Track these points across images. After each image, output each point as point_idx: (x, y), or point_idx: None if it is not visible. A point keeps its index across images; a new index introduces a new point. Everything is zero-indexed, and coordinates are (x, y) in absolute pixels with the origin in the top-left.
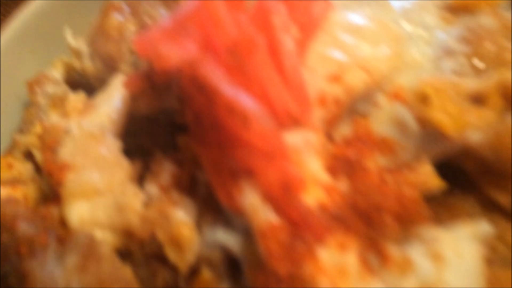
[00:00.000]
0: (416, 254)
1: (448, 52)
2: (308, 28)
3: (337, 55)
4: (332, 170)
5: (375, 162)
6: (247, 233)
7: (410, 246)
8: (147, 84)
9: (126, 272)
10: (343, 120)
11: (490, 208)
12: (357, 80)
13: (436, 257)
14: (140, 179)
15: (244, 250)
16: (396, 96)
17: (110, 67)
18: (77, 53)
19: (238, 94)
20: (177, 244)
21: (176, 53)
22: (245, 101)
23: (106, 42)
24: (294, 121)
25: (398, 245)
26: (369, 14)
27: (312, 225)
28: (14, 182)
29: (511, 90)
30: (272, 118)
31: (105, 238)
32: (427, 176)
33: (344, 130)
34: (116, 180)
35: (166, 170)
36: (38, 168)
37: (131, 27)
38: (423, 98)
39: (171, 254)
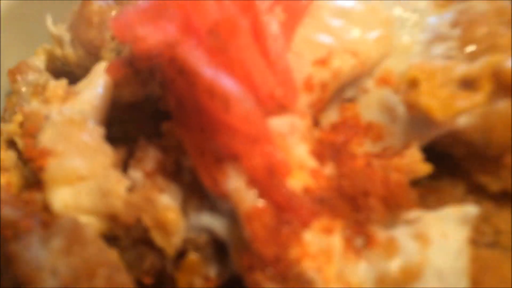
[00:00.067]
0: (401, 235)
1: (440, 37)
2: (295, 11)
3: (325, 39)
4: (319, 155)
5: (362, 147)
6: (233, 216)
7: (396, 228)
8: (129, 70)
9: (111, 254)
10: (330, 105)
11: (477, 192)
12: (344, 64)
13: (421, 238)
14: (124, 166)
15: (230, 234)
16: (385, 81)
17: (92, 54)
18: (58, 41)
19: (219, 76)
20: (163, 228)
21: (154, 35)
22: (226, 83)
23: (88, 28)
24: (280, 106)
25: (384, 227)
26: None
27: (297, 209)
28: None
29: (501, 74)
30: (256, 102)
31: (90, 223)
32: (415, 161)
33: (332, 115)
34: (99, 166)
35: (150, 156)
36: (21, 156)
37: (113, 13)
38: (412, 83)
39: (158, 238)
